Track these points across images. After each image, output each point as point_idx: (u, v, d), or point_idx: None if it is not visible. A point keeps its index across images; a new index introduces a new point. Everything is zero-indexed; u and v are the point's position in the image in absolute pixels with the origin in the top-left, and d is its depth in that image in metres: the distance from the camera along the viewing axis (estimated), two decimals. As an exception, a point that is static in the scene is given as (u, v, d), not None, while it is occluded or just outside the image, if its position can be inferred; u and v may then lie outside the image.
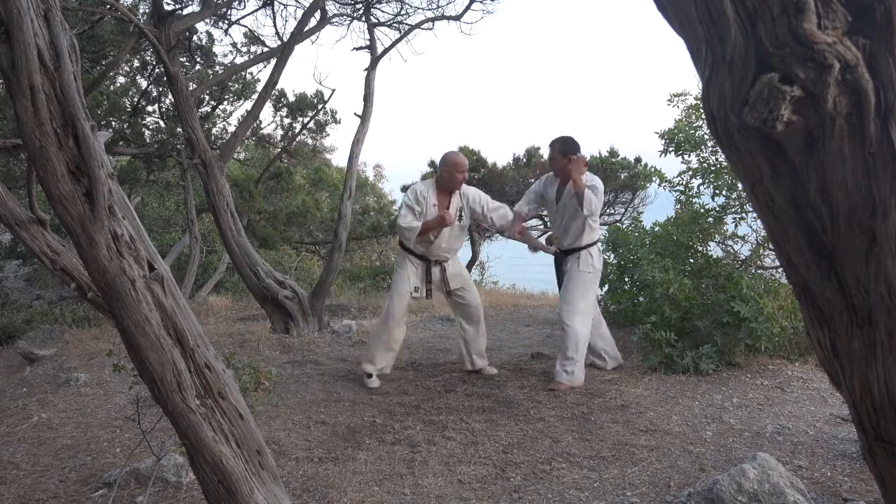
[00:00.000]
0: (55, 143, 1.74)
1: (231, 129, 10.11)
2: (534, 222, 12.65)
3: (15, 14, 1.70)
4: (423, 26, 7.83)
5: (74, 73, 1.79)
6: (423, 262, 4.69)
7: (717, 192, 5.26)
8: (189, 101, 6.49)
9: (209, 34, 9.55)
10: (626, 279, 5.75)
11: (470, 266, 12.14)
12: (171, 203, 12.32)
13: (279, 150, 10.66)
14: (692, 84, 8.55)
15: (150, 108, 9.58)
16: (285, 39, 7.19)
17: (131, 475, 3.14)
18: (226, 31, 13.64)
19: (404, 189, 11.68)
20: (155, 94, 9.41)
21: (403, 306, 4.70)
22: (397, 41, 7.65)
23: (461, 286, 4.77)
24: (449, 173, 4.59)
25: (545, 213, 4.82)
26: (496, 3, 9.03)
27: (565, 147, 4.53)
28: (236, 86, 9.88)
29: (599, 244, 4.66)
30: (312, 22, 7.23)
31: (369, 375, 4.65)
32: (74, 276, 3.11)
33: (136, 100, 9.33)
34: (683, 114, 5.67)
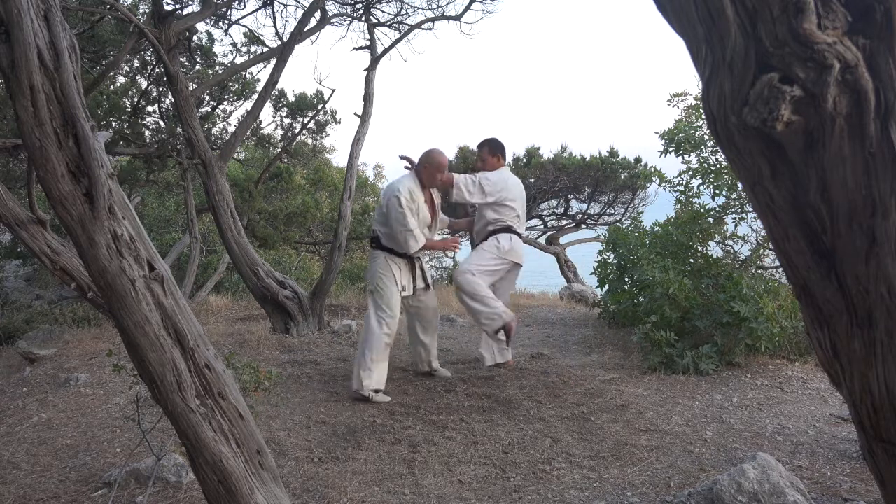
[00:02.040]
0: (55, 143, 1.74)
1: (231, 129, 10.11)
2: (533, 222, 12.65)
3: (15, 14, 1.70)
4: (423, 26, 7.84)
5: (74, 73, 1.79)
6: (406, 260, 4.52)
7: (717, 192, 5.27)
8: (189, 101, 6.49)
9: (209, 34, 9.55)
10: (626, 279, 5.75)
11: (470, 266, 12.12)
12: (171, 203, 12.32)
13: (279, 150, 10.66)
14: (692, 84, 8.56)
15: (150, 108, 9.58)
16: (285, 39, 7.19)
17: (131, 475, 3.14)
18: (226, 31, 13.66)
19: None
20: (155, 94, 9.41)
21: (399, 307, 4.50)
22: (397, 41, 7.66)
23: (429, 281, 4.76)
24: (430, 174, 4.48)
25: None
26: (496, 3, 9.03)
27: (494, 147, 4.91)
28: (236, 86, 9.88)
29: (511, 236, 4.79)
30: (312, 22, 7.24)
31: (377, 391, 4.30)
32: (74, 276, 3.11)
33: (136, 100, 9.33)
34: (683, 114, 5.68)
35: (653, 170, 6.29)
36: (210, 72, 9.21)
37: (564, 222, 12.46)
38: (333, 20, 7.85)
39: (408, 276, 4.53)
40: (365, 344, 4.35)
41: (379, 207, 4.63)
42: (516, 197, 4.80)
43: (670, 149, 5.54)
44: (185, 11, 7.21)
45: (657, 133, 5.68)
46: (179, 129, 8.32)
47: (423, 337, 4.75)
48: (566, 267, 11.73)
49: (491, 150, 4.91)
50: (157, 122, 9.75)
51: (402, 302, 4.57)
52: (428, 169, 4.47)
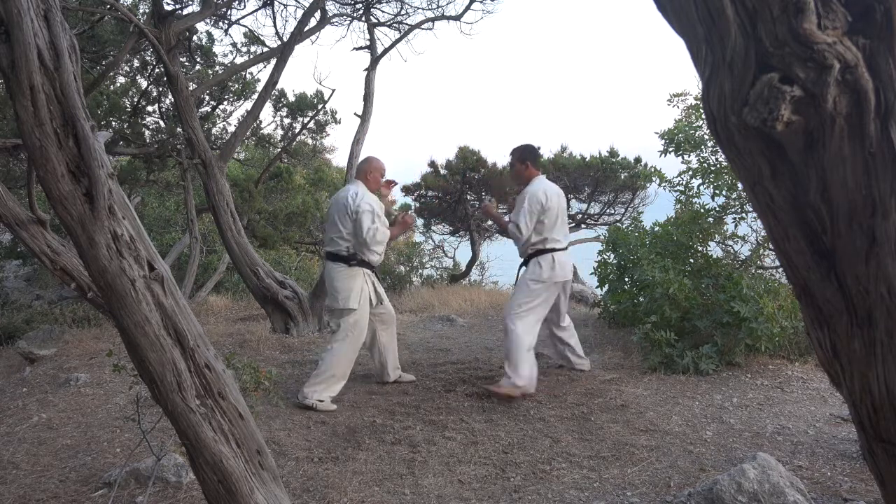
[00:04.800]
0: (55, 143, 1.74)
1: (231, 129, 10.11)
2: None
3: (15, 14, 1.70)
4: (423, 26, 7.85)
5: (74, 73, 1.79)
6: (373, 272, 4.48)
7: (717, 192, 5.27)
8: (189, 101, 6.49)
9: (209, 34, 9.55)
10: (626, 279, 5.75)
11: (470, 266, 12.16)
12: (171, 203, 12.31)
13: (279, 150, 10.66)
14: (692, 84, 8.56)
15: (150, 108, 9.58)
16: (285, 39, 7.19)
17: (131, 475, 3.14)
18: (226, 31, 13.66)
19: (405, 189, 11.68)
20: (155, 94, 9.41)
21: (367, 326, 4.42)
22: (397, 41, 7.67)
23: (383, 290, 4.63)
24: (374, 178, 4.46)
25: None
26: (496, 3, 9.04)
27: (523, 154, 4.55)
28: (236, 86, 9.87)
29: (554, 256, 4.39)
30: (312, 22, 7.24)
31: (321, 400, 4.21)
32: (74, 276, 3.11)
33: (136, 100, 9.32)
34: (683, 114, 5.68)
35: (653, 170, 6.30)
36: (210, 72, 9.21)
37: (565, 222, 12.43)
38: (333, 20, 7.86)
39: (374, 287, 4.46)
40: (331, 360, 4.28)
41: (336, 222, 4.35)
42: (552, 207, 4.37)
43: (670, 149, 5.54)
44: (185, 11, 7.22)
45: (657, 133, 5.69)
46: (179, 129, 8.32)
47: (389, 344, 4.65)
48: (566, 267, 11.70)
49: (520, 158, 4.56)
50: (157, 122, 9.74)
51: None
52: (372, 174, 4.46)
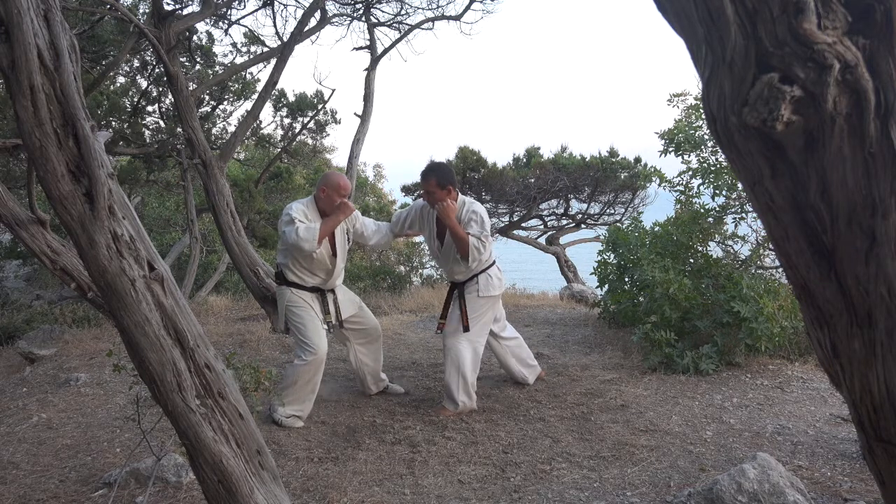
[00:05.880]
0: (55, 143, 1.74)
1: (231, 129, 10.12)
2: (533, 222, 12.65)
3: (15, 14, 1.70)
4: (423, 26, 7.86)
5: (74, 73, 1.79)
6: (317, 293, 4.12)
7: (717, 192, 5.27)
8: (189, 101, 6.49)
9: (209, 34, 9.57)
10: (626, 279, 5.75)
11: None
12: (171, 203, 12.32)
13: (279, 150, 10.67)
14: (692, 84, 8.55)
15: (150, 108, 9.59)
16: (285, 39, 7.19)
17: (131, 475, 3.15)
18: (226, 31, 13.67)
19: (404, 189, 11.68)
20: (155, 94, 9.42)
21: (324, 337, 4.01)
22: (397, 41, 7.68)
23: (356, 310, 4.31)
24: (328, 195, 3.96)
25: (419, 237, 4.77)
26: (496, 3, 9.06)
27: (442, 178, 3.96)
28: (236, 86, 9.89)
29: (498, 267, 4.22)
30: (312, 22, 7.25)
31: (288, 416, 3.93)
32: (74, 276, 3.12)
33: (136, 100, 9.33)
34: (683, 114, 5.68)
35: (653, 170, 6.30)
36: (210, 72, 9.21)
37: (564, 222, 12.45)
38: (333, 20, 7.87)
39: (321, 311, 4.11)
40: (286, 378, 3.98)
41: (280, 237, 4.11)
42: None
43: (670, 149, 5.54)
44: (185, 11, 7.22)
45: (657, 133, 5.69)
46: (179, 129, 8.33)
47: (367, 358, 4.38)
48: (566, 267, 11.72)
49: (440, 184, 3.95)
50: (157, 122, 9.76)
51: (336, 330, 4.26)
52: (325, 190, 3.97)
